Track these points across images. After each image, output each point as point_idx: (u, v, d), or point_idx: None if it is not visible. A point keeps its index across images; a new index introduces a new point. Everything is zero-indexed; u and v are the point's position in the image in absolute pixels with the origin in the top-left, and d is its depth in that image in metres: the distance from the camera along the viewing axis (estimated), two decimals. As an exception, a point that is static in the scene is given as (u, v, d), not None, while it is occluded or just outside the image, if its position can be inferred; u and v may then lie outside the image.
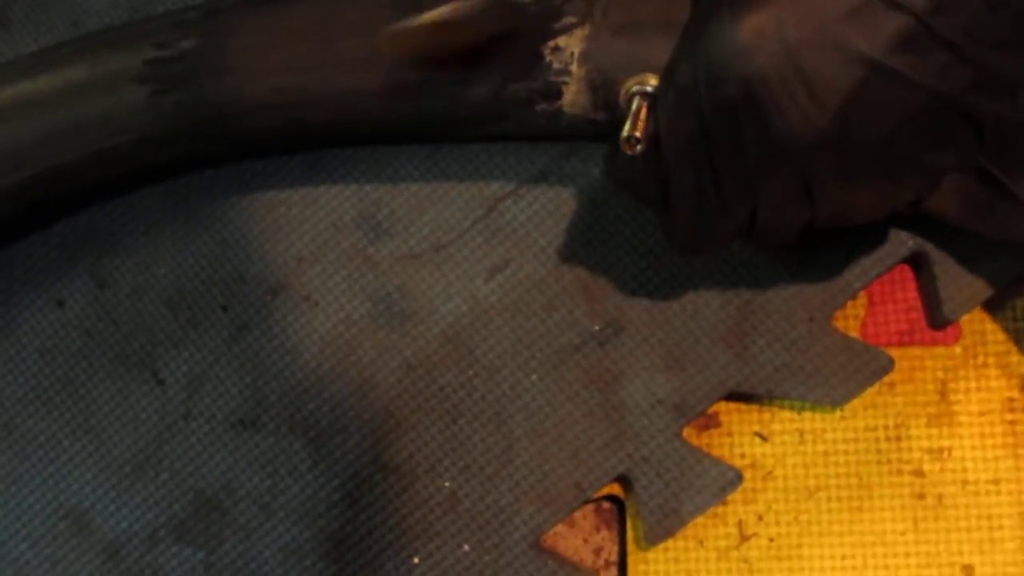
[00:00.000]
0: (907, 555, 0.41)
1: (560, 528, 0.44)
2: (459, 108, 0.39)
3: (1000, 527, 0.41)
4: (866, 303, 0.42)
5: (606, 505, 0.44)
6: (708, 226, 0.37)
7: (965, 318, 0.42)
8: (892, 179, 0.35)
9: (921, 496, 0.41)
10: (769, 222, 0.37)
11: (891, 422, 0.42)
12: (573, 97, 0.38)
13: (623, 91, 0.37)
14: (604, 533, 0.44)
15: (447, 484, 0.44)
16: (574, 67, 0.38)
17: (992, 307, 0.42)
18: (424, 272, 0.45)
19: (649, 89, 0.36)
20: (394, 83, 0.39)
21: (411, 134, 0.43)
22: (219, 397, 0.46)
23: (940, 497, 0.41)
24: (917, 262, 0.42)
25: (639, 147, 0.35)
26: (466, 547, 0.43)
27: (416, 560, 0.43)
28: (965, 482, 0.41)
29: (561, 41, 0.37)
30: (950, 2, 0.30)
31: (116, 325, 0.47)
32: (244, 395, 0.45)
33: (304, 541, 0.44)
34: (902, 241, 0.41)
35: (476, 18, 0.37)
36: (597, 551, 0.44)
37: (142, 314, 0.47)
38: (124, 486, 0.46)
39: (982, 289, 0.41)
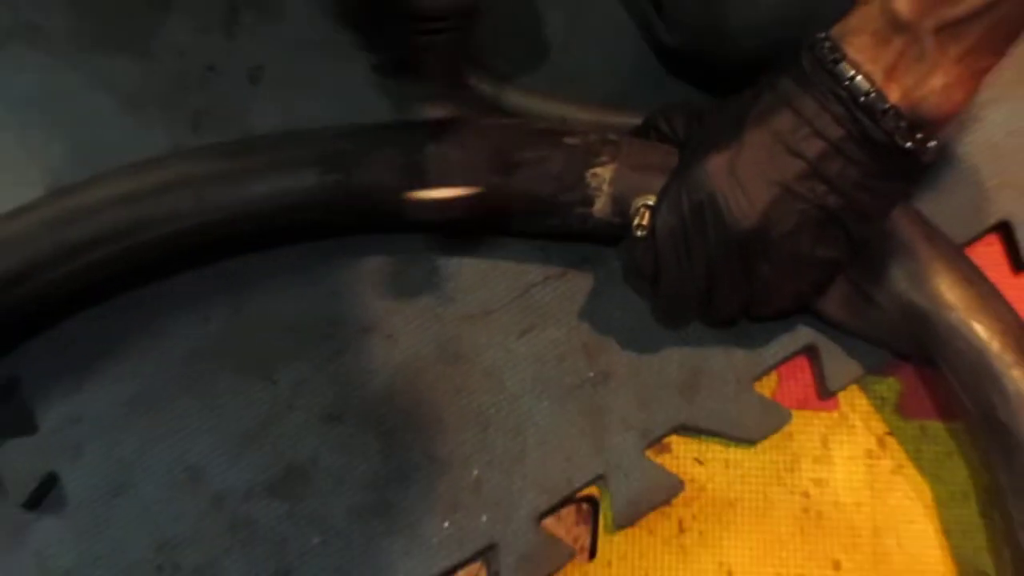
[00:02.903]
0: (795, 551, 0.58)
1: (550, 520, 0.60)
2: (523, 205, 0.60)
3: (860, 535, 0.58)
4: (777, 376, 0.62)
5: (584, 506, 0.61)
6: (682, 301, 0.58)
7: (842, 392, 0.61)
8: (796, 268, 0.55)
9: (806, 511, 0.59)
10: (719, 300, 0.57)
11: (788, 458, 0.60)
12: (601, 206, 0.59)
13: (634, 204, 0.57)
14: (581, 527, 0.61)
15: (475, 472, 0.60)
16: (604, 186, 0.58)
17: (861, 386, 0.61)
18: (475, 328, 0.64)
19: (650, 202, 0.56)
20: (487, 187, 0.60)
21: (481, 227, 0.63)
22: (316, 397, 0.63)
23: (819, 513, 0.59)
24: (812, 351, 0.62)
25: (641, 234, 0.56)
26: (484, 518, 0.59)
27: (446, 524, 0.59)
28: (836, 503, 0.59)
29: (598, 169, 0.58)
30: (829, 155, 0.52)
31: (245, 339, 0.64)
32: (334, 397, 0.63)
33: (365, 506, 0.60)
34: (802, 335, 0.61)
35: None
36: (575, 539, 0.60)
37: (266, 333, 0.64)
38: (233, 453, 0.62)
39: (855, 372, 0.60)
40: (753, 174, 0.52)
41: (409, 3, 0.53)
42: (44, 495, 0.63)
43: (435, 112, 0.57)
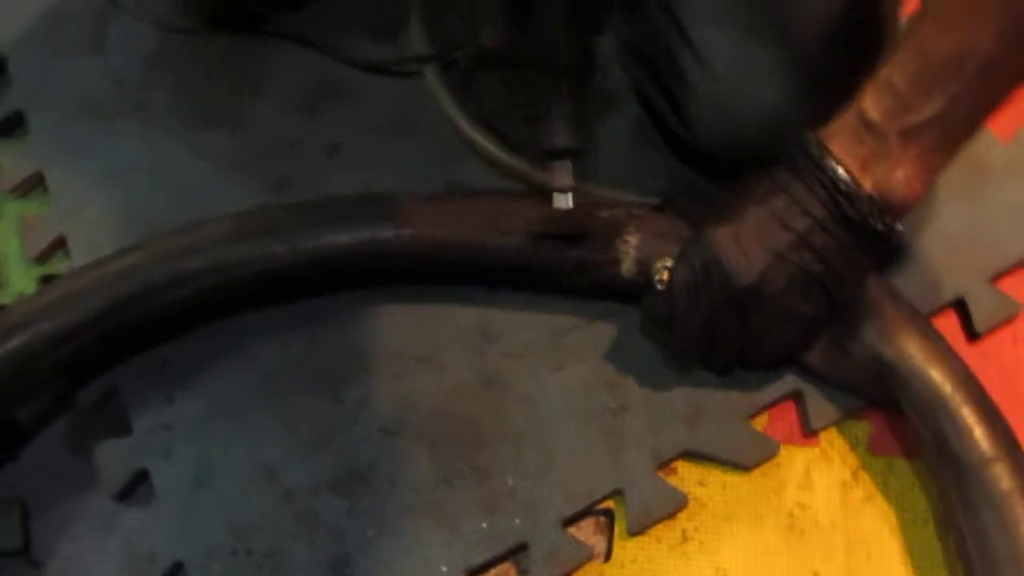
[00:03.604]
0: (781, 560, 0.68)
1: (572, 528, 0.70)
2: (565, 263, 0.72)
3: (836, 550, 0.68)
4: (768, 415, 0.73)
5: (602, 519, 0.71)
6: (691, 344, 0.69)
7: (823, 431, 0.72)
8: (784, 321, 0.67)
9: (791, 527, 0.69)
10: (721, 343, 0.69)
11: (777, 483, 0.70)
12: (628, 267, 0.70)
13: (655, 266, 0.68)
14: (599, 536, 0.70)
15: (510, 482, 0.70)
16: (631, 251, 0.70)
17: (839, 426, 0.72)
18: (514, 365, 0.75)
19: (668, 264, 0.68)
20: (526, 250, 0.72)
21: (530, 280, 0.75)
22: (376, 414, 0.73)
23: (802, 530, 0.69)
24: (797, 395, 0.73)
25: (661, 287, 0.68)
26: (517, 520, 0.69)
27: (484, 525, 0.69)
28: (816, 523, 0.69)
29: (626, 236, 0.70)
30: (815, 230, 0.64)
31: (317, 364, 0.75)
32: (393, 415, 0.73)
33: (415, 506, 0.70)
34: (790, 382, 0.72)
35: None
36: (593, 546, 0.70)
37: (335, 360, 0.76)
38: (304, 457, 0.72)
39: (834, 415, 0.71)
40: (753, 242, 0.64)
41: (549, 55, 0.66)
42: (134, 489, 0.73)
43: (562, 141, 0.69)
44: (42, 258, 0.83)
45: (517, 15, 0.65)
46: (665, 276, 0.68)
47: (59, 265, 0.83)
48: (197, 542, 0.70)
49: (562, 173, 0.69)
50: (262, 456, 0.72)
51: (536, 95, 0.68)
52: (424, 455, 0.72)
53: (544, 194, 0.70)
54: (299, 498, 0.71)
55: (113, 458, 0.74)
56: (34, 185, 0.87)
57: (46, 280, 0.82)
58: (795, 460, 0.71)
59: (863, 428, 0.72)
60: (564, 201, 0.69)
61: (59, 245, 0.83)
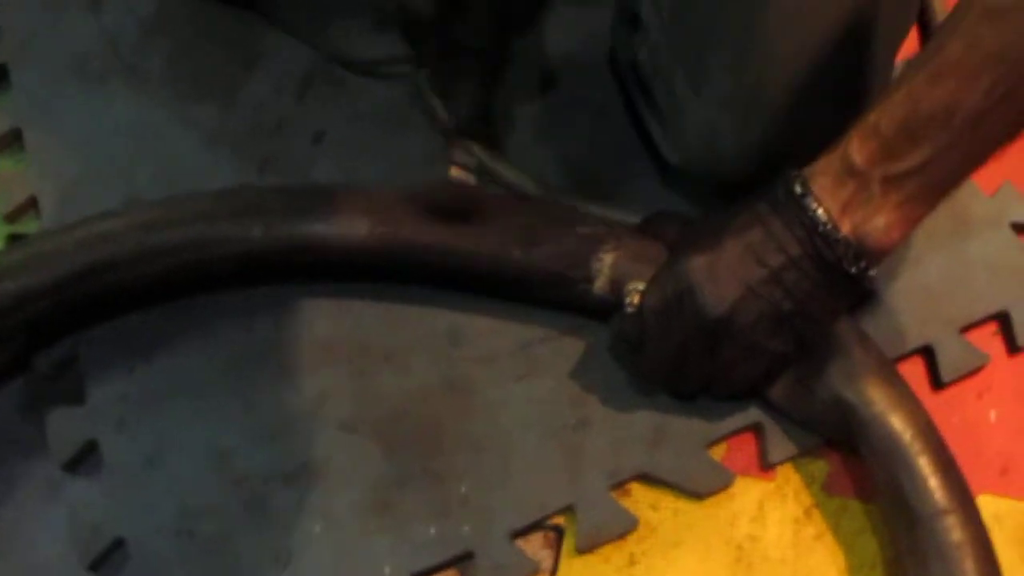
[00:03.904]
0: (725, 593, 0.68)
1: (521, 540, 0.70)
2: (538, 276, 0.71)
3: (773, 587, 0.68)
4: (727, 445, 0.73)
5: (551, 534, 0.71)
6: (658, 369, 0.69)
7: (779, 466, 0.72)
8: (752, 355, 0.67)
9: (739, 560, 0.69)
10: (688, 371, 0.68)
11: (729, 514, 0.70)
12: (601, 284, 0.70)
13: (628, 287, 0.68)
14: (546, 551, 0.70)
15: (463, 488, 0.70)
16: (606, 269, 0.70)
17: (796, 463, 0.72)
18: (480, 369, 0.74)
19: (641, 287, 0.68)
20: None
21: (502, 288, 0.74)
22: (335, 409, 0.72)
23: (750, 563, 0.69)
24: (758, 427, 0.73)
25: (631, 311, 0.68)
26: (466, 528, 0.69)
27: (432, 530, 0.69)
28: (765, 557, 0.69)
29: (602, 254, 0.70)
30: (788, 267, 0.63)
31: (282, 351, 0.74)
32: (351, 410, 0.72)
33: (365, 504, 0.69)
34: (752, 414, 0.72)
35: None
36: (540, 561, 0.70)
37: (300, 348, 0.75)
38: (259, 444, 0.71)
39: (792, 450, 0.71)
40: (726, 274, 0.64)
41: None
42: (83, 459, 0.73)
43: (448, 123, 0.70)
44: (12, 217, 0.82)
45: None
46: (636, 299, 0.68)
47: (30, 225, 0.82)
48: (142, 520, 0.69)
49: (459, 150, 0.69)
50: (217, 439, 0.72)
51: (449, 72, 0.67)
52: (380, 454, 0.71)
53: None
54: (250, 485, 0.70)
55: (65, 426, 0.73)
56: (11, 142, 0.85)
57: (15, 239, 0.81)
58: (750, 492, 0.71)
59: (820, 467, 0.72)
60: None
61: (31, 205, 0.82)
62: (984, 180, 0.80)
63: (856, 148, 0.60)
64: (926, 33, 0.86)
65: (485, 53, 0.69)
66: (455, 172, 0.71)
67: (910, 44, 0.75)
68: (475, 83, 0.70)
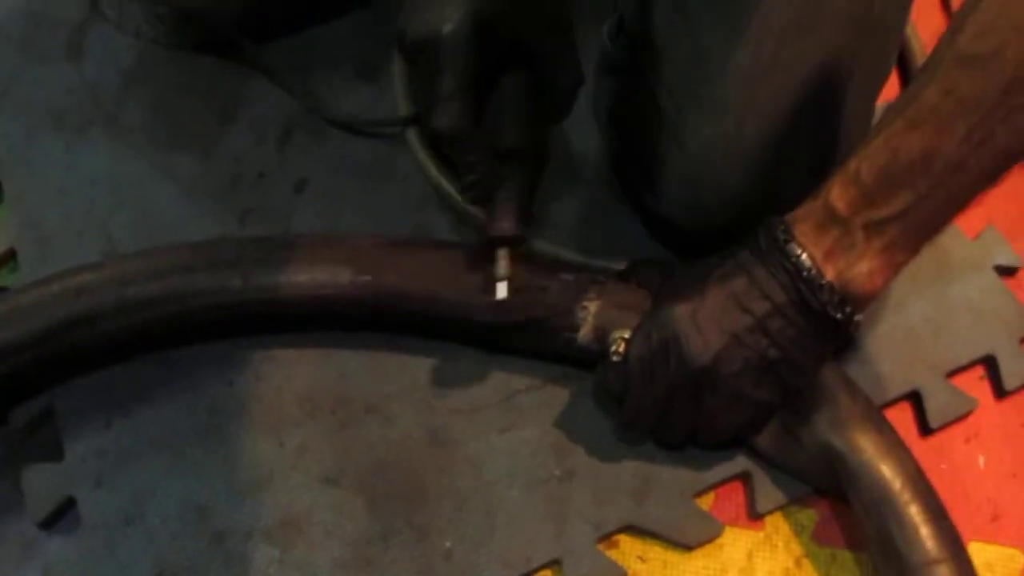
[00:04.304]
0: (715, 647, 0.67)
1: (506, 594, 0.69)
2: (522, 325, 0.71)
3: (770, 640, 0.67)
4: (714, 495, 0.72)
5: (538, 587, 0.70)
6: (643, 418, 0.68)
7: (768, 516, 0.71)
8: (737, 404, 0.66)
9: (729, 613, 0.68)
10: (673, 421, 0.68)
11: (719, 565, 0.69)
12: (585, 333, 0.70)
13: (612, 335, 0.68)
14: (533, 607, 0.69)
15: (447, 543, 0.69)
16: (590, 318, 0.69)
17: (785, 512, 0.71)
18: (462, 421, 0.73)
19: (626, 335, 0.68)
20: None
21: (485, 338, 0.74)
22: (317, 461, 0.71)
23: (740, 616, 0.68)
24: (746, 477, 0.72)
25: (616, 359, 0.67)
26: (450, 584, 0.68)
27: (416, 587, 0.68)
28: (754, 610, 0.68)
29: (586, 303, 0.69)
30: (773, 314, 0.63)
31: (262, 404, 0.74)
32: (333, 464, 0.71)
33: (347, 560, 0.68)
34: (739, 463, 0.71)
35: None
36: (527, 616, 0.69)
37: (280, 401, 0.74)
38: (239, 499, 0.70)
39: (780, 500, 0.70)
40: (710, 322, 0.64)
41: (497, 140, 0.66)
42: (60, 516, 0.71)
43: (504, 231, 0.67)
44: (-10, 269, 0.81)
45: (466, 99, 0.64)
46: (621, 348, 0.67)
47: (7, 278, 0.81)
48: (119, 579, 0.68)
49: (502, 262, 0.68)
50: (196, 494, 0.71)
51: (482, 179, 0.67)
52: (362, 508, 0.70)
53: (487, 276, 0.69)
54: (230, 542, 0.69)
55: (42, 482, 0.72)
56: (-11, 193, 0.85)
57: (-7, 292, 0.80)
58: (739, 543, 0.70)
59: (809, 516, 0.71)
60: (503, 290, 0.68)
61: (10, 256, 0.81)
62: (966, 223, 0.80)
63: (837, 195, 0.60)
64: (907, 75, 0.86)
65: (523, 154, 0.68)
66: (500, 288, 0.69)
67: (891, 87, 0.75)
68: (519, 187, 0.69)
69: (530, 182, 0.69)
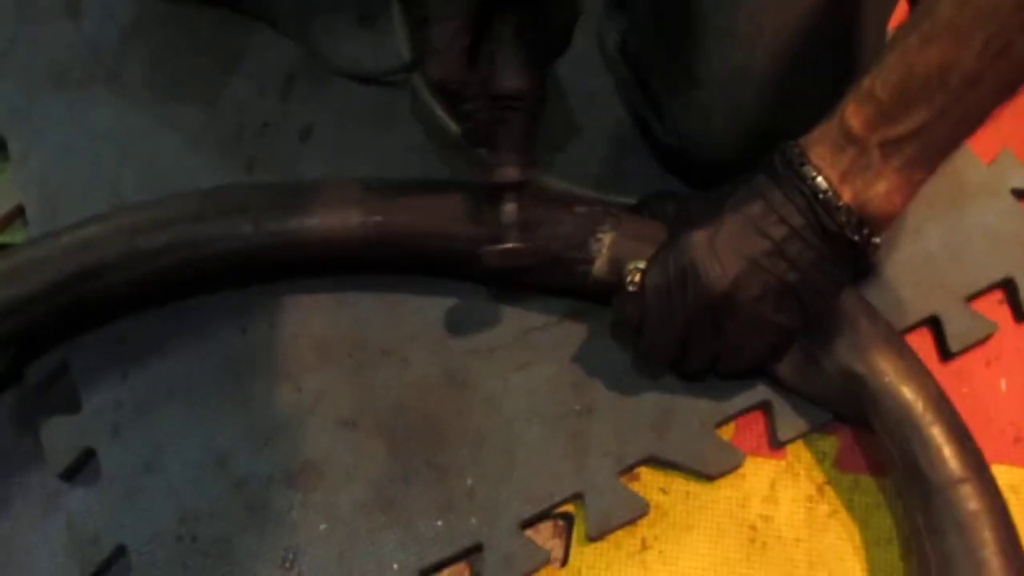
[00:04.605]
0: (740, 574, 0.67)
1: (530, 531, 0.69)
2: (539, 258, 0.69)
3: (797, 567, 0.67)
4: (735, 425, 0.72)
5: (560, 522, 0.69)
6: (661, 350, 0.68)
7: (790, 444, 0.70)
8: (757, 329, 0.65)
9: (753, 541, 0.68)
10: (693, 351, 0.67)
11: (741, 495, 0.69)
12: (600, 265, 0.69)
13: (628, 266, 0.67)
14: (556, 540, 0.69)
15: (469, 481, 0.69)
16: (604, 250, 0.69)
17: (806, 440, 0.71)
18: (479, 361, 0.73)
19: (641, 266, 0.67)
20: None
21: (499, 275, 0.73)
22: (335, 405, 0.71)
23: (764, 544, 0.68)
24: (767, 406, 0.71)
25: (632, 289, 0.66)
26: (474, 520, 0.67)
27: (440, 523, 0.67)
28: (779, 537, 0.68)
29: (600, 235, 0.69)
30: (791, 238, 0.62)
31: (277, 350, 0.73)
32: (351, 406, 0.71)
33: (369, 501, 0.68)
34: (760, 392, 0.71)
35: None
36: (551, 550, 0.68)
37: (295, 347, 0.74)
38: (259, 444, 0.70)
39: (802, 428, 0.70)
40: (728, 249, 0.63)
41: (493, 85, 0.64)
42: (80, 468, 0.71)
43: (507, 177, 0.66)
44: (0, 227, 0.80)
45: (459, 46, 0.62)
46: (637, 278, 0.67)
47: (17, 235, 0.80)
48: (142, 526, 0.68)
49: (508, 208, 0.67)
50: (215, 442, 0.70)
51: (482, 125, 0.65)
52: (382, 449, 0.70)
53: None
54: (250, 487, 0.69)
55: (60, 435, 0.71)
56: (-5, 152, 0.84)
57: (2, 249, 0.79)
58: (761, 472, 0.70)
59: (831, 443, 0.71)
60: (511, 236, 0.67)
61: (18, 214, 0.81)
62: (982, 148, 0.79)
63: (852, 115, 0.59)
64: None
65: (524, 97, 0.66)
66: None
67: (900, 11, 0.74)
68: (521, 131, 0.67)
69: (531, 124, 0.67)
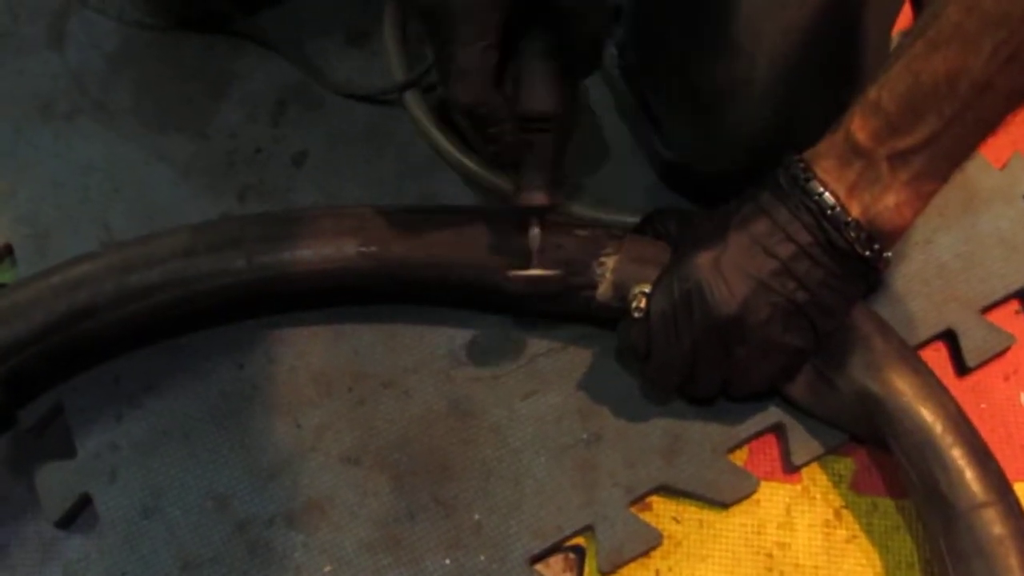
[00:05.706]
0: (758, 605, 0.65)
1: (540, 566, 0.67)
2: (538, 289, 0.68)
3: (815, 594, 0.65)
4: (748, 449, 0.70)
5: (571, 555, 0.67)
6: (668, 376, 0.66)
7: (805, 468, 0.69)
8: (767, 352, 0.64)
9: (770, 569, 0.66)
10: (701, 376, 0.65)
11: (756, 522, 0.67)
12: (604, 290, 0.67)
13: (632, 291, 0.65)
14: (568, 574, 0.67)
15: (476, 516, 0.67)
16: (608, 274, 0.67)
17: (822, 463, 0.69)
18: (483, 389, 0.71)
19: (646, 290, 0.65)
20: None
21: (501, 302, 0.71)
22: (336, 441, 0.69)
23: (781, 572, 0.66)
24: (780, 429, 0.69)
25: (638, 315, 0.64)
26: (482, 557, 0.65)
27: (447, 561, 0.65)
28: (797, 565, 0.66)
29: (603, 259, 0.67)
30: (798, 256, 0.61)
31: (275, 386, 0.72)
32: (353, 442, 0.69)
33: (374, 540, 0.66)
34: (772, 414, 0.69)
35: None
36: (562, 585, 0.67)
37: (294, 382, 0.72)
38: (258, 485, 0.68)
39: (817, 450, 0.68)
40: (734, 269, 0.61)
41: (520, 107, 0.61)
42: (77, 514, 0.69)
43: (534, 201, 0.64)
44: (-12, 266, 0.79)
45: (487, 68, 0.59)
46: (643, 303, 0.65)
47: (5, 275, 0.78)
48: (142, 574, 0.66)
49: (535, 232, 0.65)
50: (214, 483, 0.68)
51: (509, 149, 0.63)
52: (386, 486, 0.68)
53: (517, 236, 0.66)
54: (252, 529, 0.67)
55: (55, 481, 0.69)
56: (-20, 189, 0.82)
57: (-8, 289, 0.77)
58: (776, 497, 0.68)
59: (847, 465, 0.69)
60: (538, 262, 0.65)
61: (6, 253, 0.79)
62: (993, 153, 0.77)
63: (859, 127, 0.57)
64: (919, 4, 0.83)
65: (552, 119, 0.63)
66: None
67: (904, 18, 0.72)
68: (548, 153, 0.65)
69: (559, 146, 0.64)
